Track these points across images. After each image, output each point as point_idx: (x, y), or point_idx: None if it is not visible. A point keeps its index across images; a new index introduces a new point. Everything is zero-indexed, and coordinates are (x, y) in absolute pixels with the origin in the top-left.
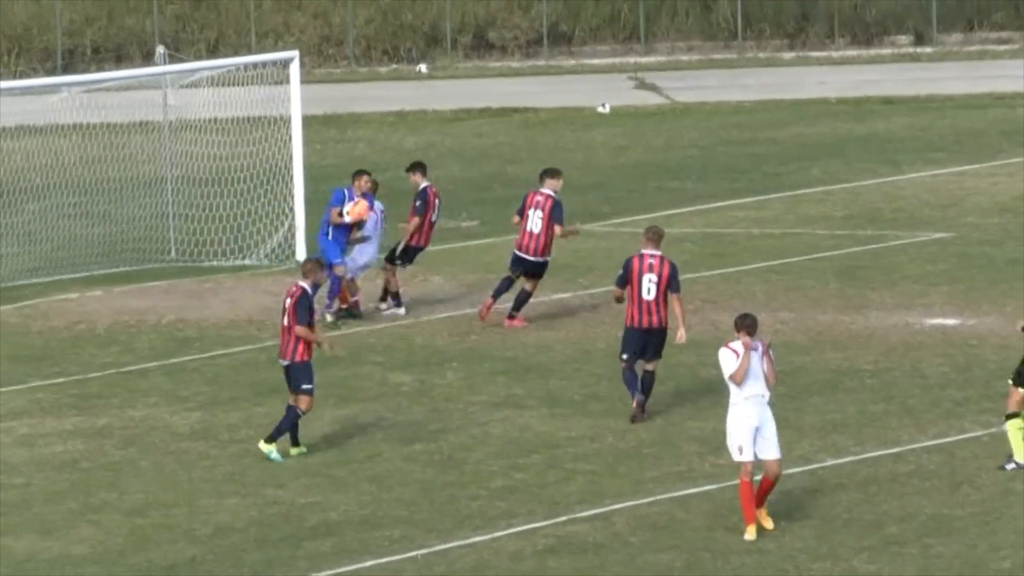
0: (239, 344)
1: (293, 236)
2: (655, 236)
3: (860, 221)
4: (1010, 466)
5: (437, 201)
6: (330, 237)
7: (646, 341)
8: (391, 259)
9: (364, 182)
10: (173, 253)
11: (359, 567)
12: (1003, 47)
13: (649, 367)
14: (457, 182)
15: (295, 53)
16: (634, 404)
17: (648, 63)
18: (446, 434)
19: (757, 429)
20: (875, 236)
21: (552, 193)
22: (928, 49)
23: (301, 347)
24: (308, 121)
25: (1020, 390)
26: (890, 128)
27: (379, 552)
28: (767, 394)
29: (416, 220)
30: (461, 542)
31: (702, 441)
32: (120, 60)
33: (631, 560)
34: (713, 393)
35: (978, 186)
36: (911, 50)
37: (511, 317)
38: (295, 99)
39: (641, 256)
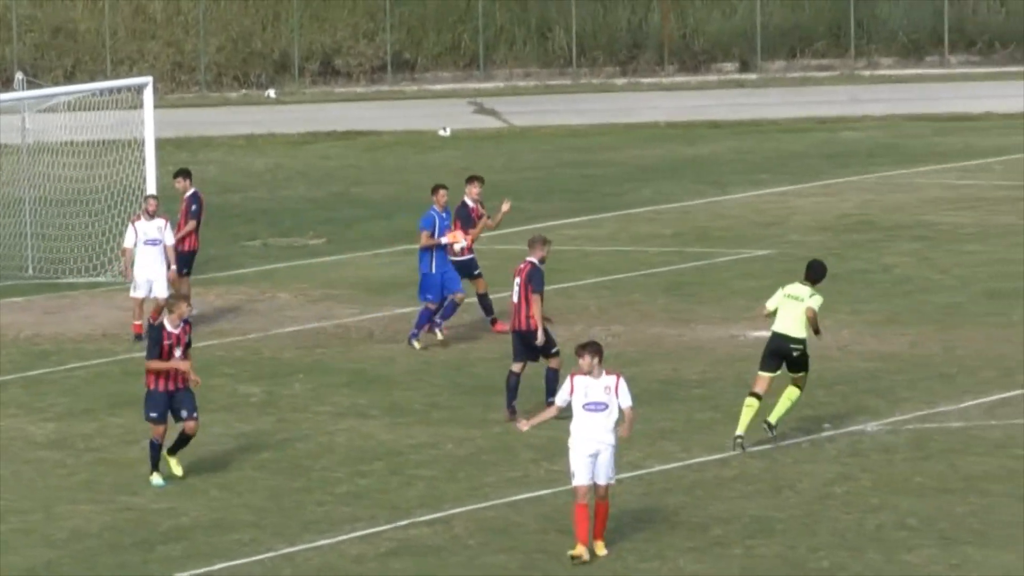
0: (95, 357)
1: None
2: (530, 242)
3: (688, 239)
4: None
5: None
6: (434, 270)
7: (518, 343)
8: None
9: (442, 196)
10: (31, 271)
11: (209, 570)
12: (824, 74)
13: (551, 364)
14: (304, 202)
15: (149, 79)
16: (506, 411)
17: (487, 89)
18: (293, 443)
19: (594, 456)
20: (703, 253)
21: (466, 200)
22: (753, 76)
23: (147, 377)
24: (161, 144)
25: (767, 375)
26: (717, 151)
27: (229, 555)
28: (609, 424)
29: (192, 223)
30: (307, 545)
31: (538, 448)
32: None
33: (469, 561)
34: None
35: (800, 206)
36: (737, 76)
37: (493, 323)
38: (148, 123)
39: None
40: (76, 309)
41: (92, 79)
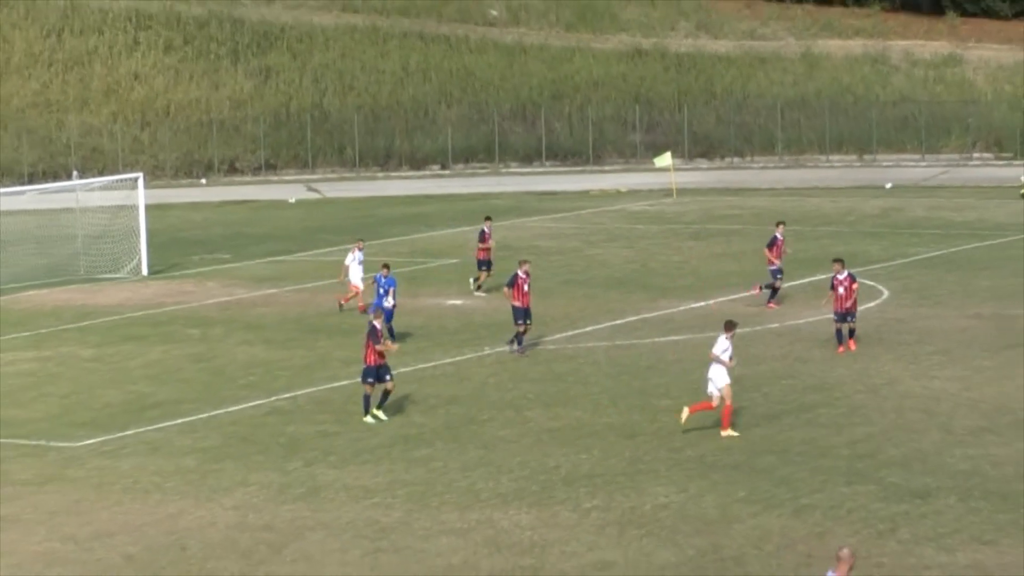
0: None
1: None
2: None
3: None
4: None
5: None
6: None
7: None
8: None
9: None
10: (82, 272)
11: (175, 423)
12: (483, 170)
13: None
14: (220, 236)
15: (140, 174)
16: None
17: (314, 178)
18: (214, 358)
19: (711, 379)
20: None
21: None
22: (448, 171)
23: (371, 356)
24: (148, 208)
25: None
26: (433, 209)
27: (185, 414)
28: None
29: (480, 244)
30: (223, 410)
31: (344, 361)
32: None
33: (305, 419)
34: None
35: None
36: (440, 172)
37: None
38: (141, 197)
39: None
40: (108, 291)
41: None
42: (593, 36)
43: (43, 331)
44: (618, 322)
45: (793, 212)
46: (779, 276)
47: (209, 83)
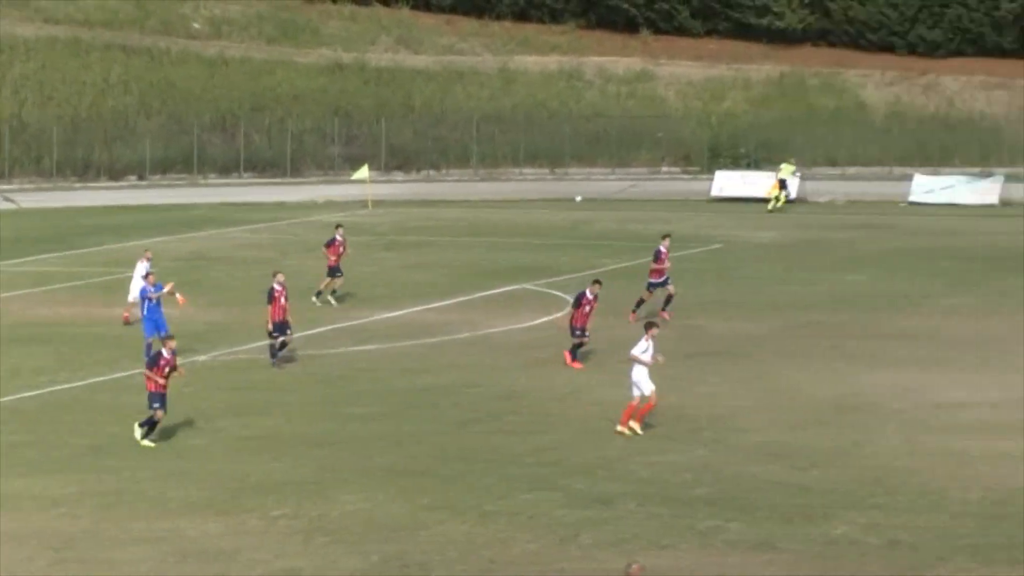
0: None
1: None
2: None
3: None
4: None
5: None
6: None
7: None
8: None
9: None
10: None
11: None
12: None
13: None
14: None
15: None
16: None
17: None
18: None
19: (636, 383)
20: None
21: None
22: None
23: (147, 383)
24: None
25: None
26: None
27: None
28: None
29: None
30: None
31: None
32: None
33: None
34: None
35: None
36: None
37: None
38: None
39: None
40: None
41: None
42: (295, 50)
43: None
44: (312, 332)
45: (486, 224)
46: (654, 286)
47: None
